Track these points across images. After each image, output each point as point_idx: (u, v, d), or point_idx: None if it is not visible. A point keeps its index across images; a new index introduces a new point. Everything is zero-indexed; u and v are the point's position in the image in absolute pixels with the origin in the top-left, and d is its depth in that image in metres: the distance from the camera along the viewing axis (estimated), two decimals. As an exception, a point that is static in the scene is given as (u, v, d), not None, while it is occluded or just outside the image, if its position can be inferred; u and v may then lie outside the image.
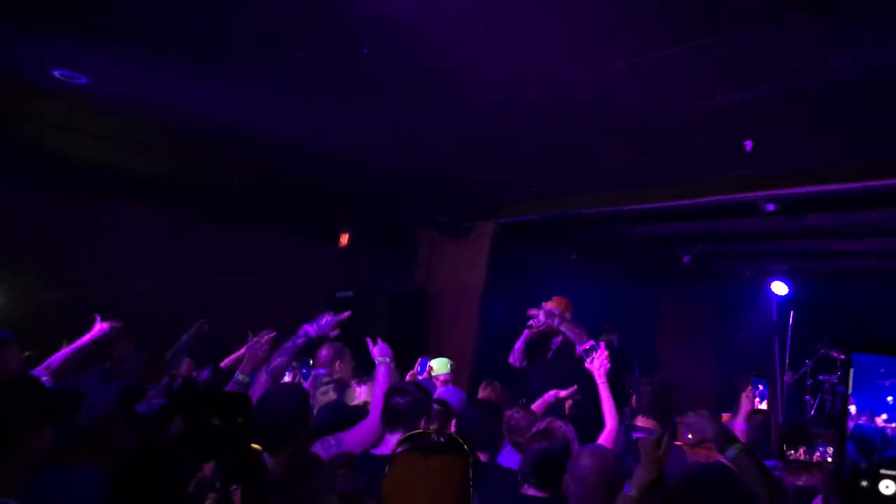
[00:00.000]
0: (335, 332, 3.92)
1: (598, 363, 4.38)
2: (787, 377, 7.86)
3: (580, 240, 8.94)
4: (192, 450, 1.26)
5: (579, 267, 9.30)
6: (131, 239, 7.46)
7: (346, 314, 3.97)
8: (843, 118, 4.85)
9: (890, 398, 1.05)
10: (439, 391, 5.20)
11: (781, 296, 8.67)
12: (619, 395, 4.49)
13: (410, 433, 1.83)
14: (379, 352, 4.45)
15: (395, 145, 6.20)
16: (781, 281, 8.76)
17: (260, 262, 8.35)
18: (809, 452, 3.48)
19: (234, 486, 1.23)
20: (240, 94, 5.24)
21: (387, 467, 1.76)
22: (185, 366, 5.66)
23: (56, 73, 4.83)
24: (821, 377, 8.41)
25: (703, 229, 7.80)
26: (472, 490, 1.69)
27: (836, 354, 8.37)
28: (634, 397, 5.09)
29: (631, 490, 2.60)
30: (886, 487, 0.97)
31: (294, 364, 5.06)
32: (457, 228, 8.61)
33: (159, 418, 1.32)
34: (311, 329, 3.87)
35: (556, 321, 5.82)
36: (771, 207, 6.42)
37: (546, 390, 5.86)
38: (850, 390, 1.03)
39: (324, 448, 3.45)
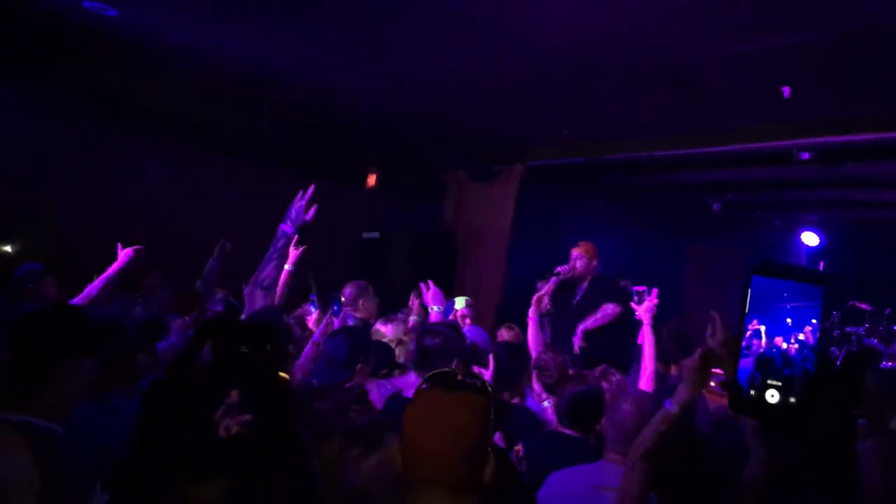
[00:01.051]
0: (311, 215, 3.72)
1: (646, 306, 4.43)
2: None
3: (609, 185, 8.87)
4: (221, 377, 1.29)
5: (607, 212, 9.24)
6: (159, 179, 7.50)
7: (311, 190, 3.75)
8: (880, 66, 4.72)
9: (789, 320, 1.11)
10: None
11: (811, 246, 8.55)
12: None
13: (435, 371, 1.84)
14: (432, 299, 4.41)
15: (424, 89, 6.15)
16: (812, 231, 8.64)
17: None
18: None
19: (261, 418, 1.26)
20: (268, 35, 5.21)
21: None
22: (219, 297, 5.76)
23: (87, 5, 4.83)
24: (848, 329, 8.35)
25: (734, 177, 7.69)
26: (492, 429, 1.71)
27: (864, 307, 8.29)
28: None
29: (672, 406, 2.67)
30: (772, 396, 1.03)
31: (315, 299, 5.06)
32: (485, 171, 8.56)
33: (190, 346, 1.34)
34: (286, 227, 3.68)
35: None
36: (805, 156, 6.31)
37: (570, 335, 5.93)
38: (745, 310, 1.08)
39: (379, 391, 3.49)
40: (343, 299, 5.13)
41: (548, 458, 3.03)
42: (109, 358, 2.64)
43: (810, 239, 8.59)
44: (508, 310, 7.54)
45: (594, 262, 6.30)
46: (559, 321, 6.15)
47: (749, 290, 1.12)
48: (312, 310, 5.22)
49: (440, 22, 4.68)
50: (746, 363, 1.11)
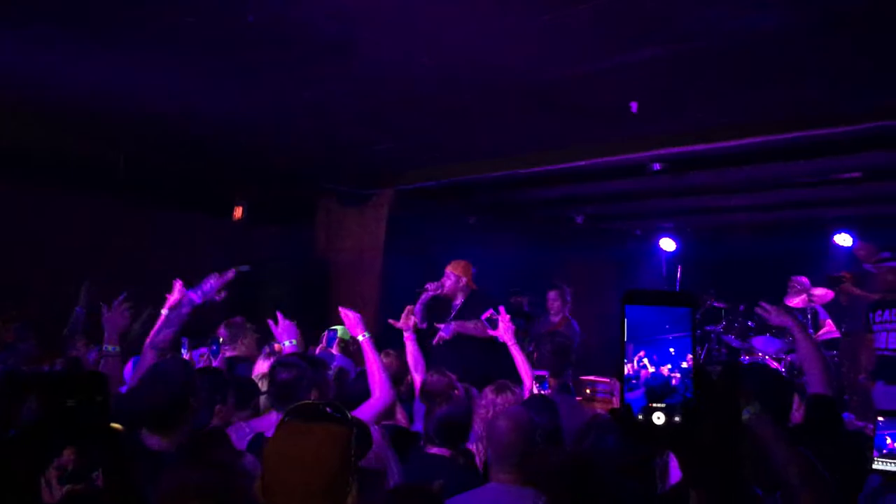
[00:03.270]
0: (221, 296, 3.74)
1: (502, 328, 4.60)
2: (677, 329, 8.21)
3: (479, 204, 9.04)
4: (49, 434, 1.21)
5: (480, 230, 9.41)
6: (11, 219, 7.06)
7: (231, 274, 3.75)
8: (722, 80, 5.04)
9: (672, 349, 1.20)
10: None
11: (669, 252, 9.03)
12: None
13: (295, 404, 1.82)
14: (284, 333, 4.28)
15: (289, 114, 6.09)
16: (669, 237, 9.11)
17: (153, 239, 8.06)
18: None
19: (96, 472, 1.19)
20: (122, 63, 5.02)
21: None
22: (79, 345, 5.48)
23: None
24: (707, 328, 8.84)
25: (594, 190, 8.01)
26: (354, 459, 1.71)
27: (720, 305, 8.80)
28: (536, 354, 5.27)
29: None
30: (658, 418, 1.12)
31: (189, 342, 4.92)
32: (355, 197, 8.55)
33: (4, 399, 1.25)
34: (195, 296, 3.67)
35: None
36: (657, 167, 6.65)
37: (447, 352, 5.97)
38: (625, 337, 1.16)
39: (237, 435, 3.36)
40: (221, 340, 4.99)
41: (419, 478, 3.02)
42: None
43: (668, 245, 9.05)
44: (386, 334, 7.52)
45: (464, 280, 6.41)
46: (433, 338, 6.19)
47: (625, 320, 1.17)
48: (184, 352, 5.06)
49: (309, 48, 4.66)
50: (638, 393, 1.16)
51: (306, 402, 1.85)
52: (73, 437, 1.22)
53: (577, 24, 4.14)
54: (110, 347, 3.58)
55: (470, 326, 5.99)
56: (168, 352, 3.71)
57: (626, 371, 1.16)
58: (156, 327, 4.07)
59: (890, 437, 2.36)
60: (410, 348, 5.03)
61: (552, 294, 7.48)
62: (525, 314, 8.15)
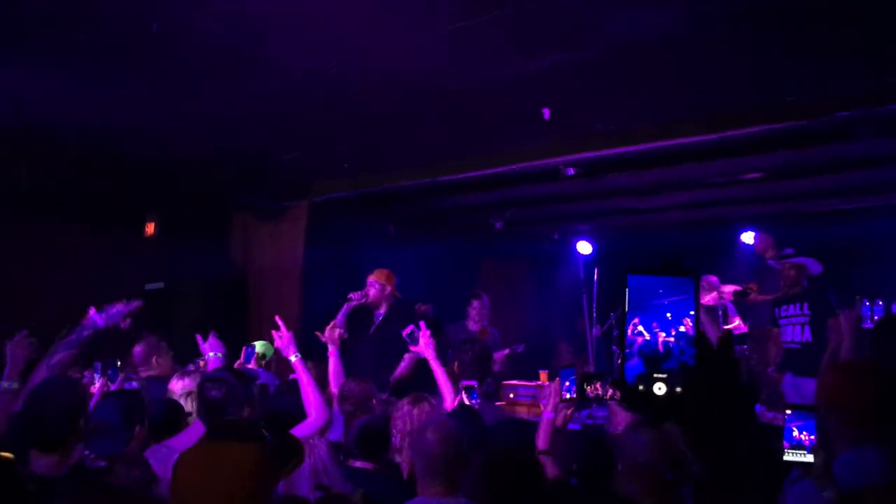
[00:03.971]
0: (126, 323, 3.66)
1: (423, 343, 4.69)
2: (595, 331, 8.38)
3: (397, 213, 9.02)
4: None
5: (400, 239, 9.39)
6: None
7: (137, 304, 3.70)
8: (630, 84, 5.16)
9: (668, 314, 1.20)
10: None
11: (586, 255, 9.19)
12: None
13: (212, 424, 1.77)
14: (210, 347, 4.32)
15: (198, 126, 5.96)
16: (586, 241, 9.28)
17: (59, 259, 7.71)
18: (604, 387, 3.85)
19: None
20: (22, 74, 4.83)
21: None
22: None
23: None
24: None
25: (511, 196, 8.08)
26: (271, 475, 1.66)
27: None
28: (457, 363, 5.28)
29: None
30: (659, 389, 1.12)
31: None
32: (270, 210, 8.43)
33: None
34: (98, 319, 3.57)
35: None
36: (571, 171, 6.75)
37: (370, 363, 5.93)
38: (626, 308, 1.17)
39: (154, 457, 3.24)
40: (119, 363, 4.82)
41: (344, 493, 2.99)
42: None
43: (584, 248, 9.22)
44: (309, 347, 7.40)
45: (388, 288, 6.41)
46: (358, 349, 6.15)
47: (627, 290, 1.17)
48: (97, 378, 4.86)
49: (214, 58, 4.57)
50: (634, 361, 1.16)
51: (225, 420, 1.79)
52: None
53: (488, 30, 4.17)
54: (6, 384, 3.42)
55: (396, 374, 6.03)
56: (59, 370, 3.55)
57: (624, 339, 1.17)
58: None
59: (797, 428, 2.46)
60: (333, 363, 5.02)
61: (476, 303, 7.59)
62: (430, 320, 8.18)
